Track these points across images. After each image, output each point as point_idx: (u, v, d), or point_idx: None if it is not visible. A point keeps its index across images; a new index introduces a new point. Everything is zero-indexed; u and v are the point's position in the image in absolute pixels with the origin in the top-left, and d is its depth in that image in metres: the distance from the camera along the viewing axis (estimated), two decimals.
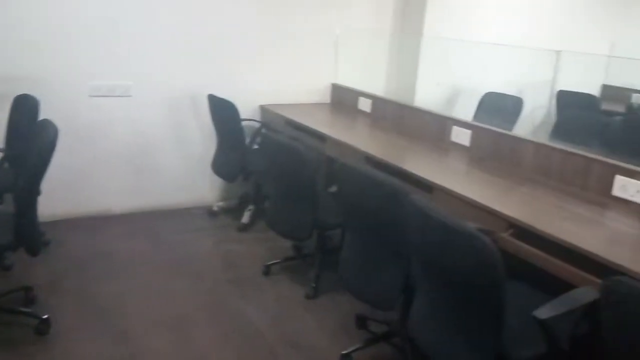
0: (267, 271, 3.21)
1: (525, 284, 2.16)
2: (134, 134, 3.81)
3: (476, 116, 4.38)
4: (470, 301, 1.76)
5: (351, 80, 4.30)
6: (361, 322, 2.72)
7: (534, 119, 4.00)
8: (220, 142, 3.84)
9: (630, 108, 4.55)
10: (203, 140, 4.03)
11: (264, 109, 4.13)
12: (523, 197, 2.44)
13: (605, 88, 5.83)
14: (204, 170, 3.99)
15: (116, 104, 3.70)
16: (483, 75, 4.58)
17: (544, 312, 1.62)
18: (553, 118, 4.63)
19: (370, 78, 4.46)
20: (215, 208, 4.06)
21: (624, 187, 2.33)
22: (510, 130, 4.14)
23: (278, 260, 3.29)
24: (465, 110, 4.44)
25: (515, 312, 1.80)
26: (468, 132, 3.14)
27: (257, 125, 3.98)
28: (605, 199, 2.39)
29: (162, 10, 3.66)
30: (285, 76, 4.19)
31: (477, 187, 2.58)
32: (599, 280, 1.75)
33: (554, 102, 4.94)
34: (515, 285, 2.15)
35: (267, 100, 4.15)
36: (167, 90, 3.83)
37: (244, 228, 3.80)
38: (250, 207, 3.89)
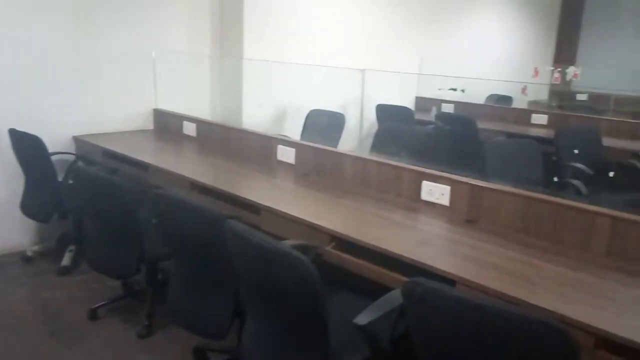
0: (93, 315, 2.95)
1: (353, 293, 2.24)
2: None
3: (304, 133, 4.52)
4: (295, 318, 1.77)
5: (175, 104, 4.18)
6: (200, 354, 2.61)
7: (360, 132, 4.24)
8: (28, 181, 3.46)
9: (437, 117, 5.02)
10: (7, 179, 3.60)
11: (78, 140, 3.82)
12: (344, 210, 2.54)
13: (419, 100, 6.41)
14: (12, 213, 3.55)
15: None
16: (308, 93, 4.76)
17: (363, 318, 1.68)
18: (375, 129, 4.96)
19: (195, 101, 4.38)
20: (29, 253, 3.65)
21: (430, 191, 2.54)
22: (336, 144, 4.35)
23: (106, 302, 3.04)
24: (294, 128, 4.57)
25: (342, 321, 1.85)
26: (292, 150, 3.21)
27: (72, 158, 3.66)
28: (416, 204, 2.59)
29: None
30: (102, 103, 3.93)
31: (302, 204, 2.64)
32: None
33: (371, 114, 5.31)
34: (344, 295, 2.23)
35: (82, 130, 3.84)
36: None
37: (65, 271, 3.46)
38: (71, 247, 3.56)
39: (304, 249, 2.20)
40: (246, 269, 1.85)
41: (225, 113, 4.51)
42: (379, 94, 5.45)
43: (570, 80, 5.92)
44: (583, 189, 3.47)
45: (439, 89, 5.91)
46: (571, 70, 5.71)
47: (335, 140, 4.22)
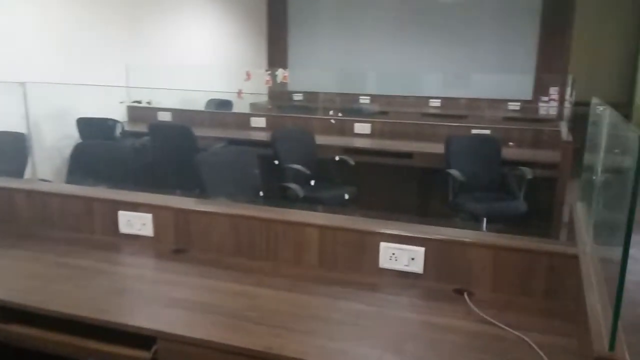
0: None
1: None
2: None
3: None
4: None
5: None
6: None
7: (32, 155, 3.51)
8: None
9: (151, 127, 4.58)
10: None
11: None
12: (13, 265, 1.93)
13: (132, 109, 5.83)
14: None
15: None
16: None
17: None
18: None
19: None
20: None
21: (129, 222, 2.13)
22: (22, 171, 3.55)
23: None
24: None
25: None
26: None
27: None
28: (115, 239, 2.15)
29: None
30: None
31: None
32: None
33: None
34: None
35: None
36: None
37: None
38: None
39: None
40: None
41: None
42: (88, 107, 4.77)
43: (282, 83, 6.08)
44: (300, 192, 3.45)
45: (121, 102, 5.46)
46: (280, 72, 5.85)
47: (20, 166, 3.42)
